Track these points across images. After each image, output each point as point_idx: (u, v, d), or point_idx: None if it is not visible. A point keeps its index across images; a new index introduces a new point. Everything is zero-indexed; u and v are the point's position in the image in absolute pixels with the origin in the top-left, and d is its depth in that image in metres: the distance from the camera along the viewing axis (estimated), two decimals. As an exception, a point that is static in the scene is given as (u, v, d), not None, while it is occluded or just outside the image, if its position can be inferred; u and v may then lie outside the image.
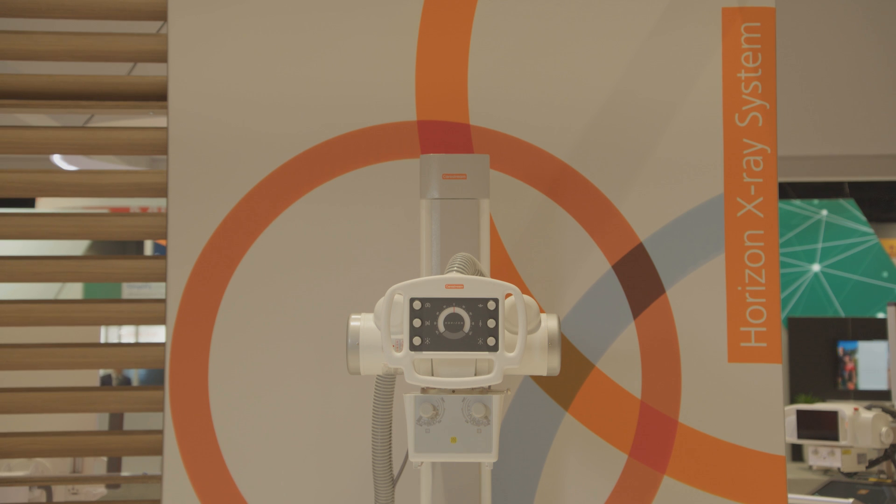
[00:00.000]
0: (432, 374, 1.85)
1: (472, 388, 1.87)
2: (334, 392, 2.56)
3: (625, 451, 2.54)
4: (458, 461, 1.90)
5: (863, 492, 4.18)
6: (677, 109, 2.60)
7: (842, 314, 14.85)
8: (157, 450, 2.61)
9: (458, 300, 1.80)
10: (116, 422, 5.64)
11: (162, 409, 2.57)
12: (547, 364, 1.95)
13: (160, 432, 2.59)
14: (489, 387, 1.91)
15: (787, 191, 15.15)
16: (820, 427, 4.29)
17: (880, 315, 14.47)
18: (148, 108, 2.75)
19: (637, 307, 2.57)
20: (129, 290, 9.93)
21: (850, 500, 4.01)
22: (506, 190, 2.58)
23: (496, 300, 1.80)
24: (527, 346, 1.92)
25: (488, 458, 1.85)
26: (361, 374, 1.98)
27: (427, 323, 1.80)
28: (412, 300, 1.81)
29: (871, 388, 13.24)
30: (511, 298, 1.84)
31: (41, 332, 2.91)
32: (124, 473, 4.93)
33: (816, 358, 13.99)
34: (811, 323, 14.30)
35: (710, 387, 2.54)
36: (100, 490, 4.62)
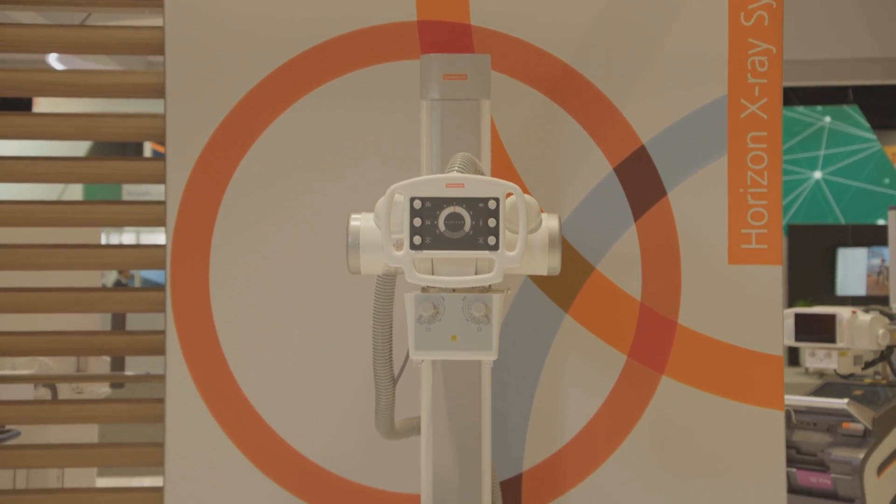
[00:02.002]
0: (433, 274, 1.85)
1: (473, 287, 1.87)
2: (335, 293, 2.57)
3: (624, 352, 2.56)
4: (458, 359, 1.91)
5: (858, 392, 4.23)
6: (682, 7, 2.56)
7: (842, 221, 14.87)
8: (160, 349, 2.63)
9: (459, 199, 1.79)
10: (119, 325, 5.69)
11: (163, 310, 2.59)
12: (547, 263, 1.95)
13: (162, 332, 2.61)
14: (489, 286, 1.92)
15: (791, 97, 15.04)
16: (817, 330, 4.32)
17: (880, 222, 14.48)
18: (144, 7, 2.71)
19: (638, 210, 2.57)
20: (129, 198, 9.94)
21: (846, 400, 4.07)
22: (507, 91, 2.56)
23: (497, 199, 1.79)
24: (527, 245, 1.92)
25: (488, 356, 1.87)
26: (362, 273, 1.98)
27: (427, 222, 1.80)
28: (412, 199, 1.80)
29: (850, 294, 13.33)
30: (512, 198, 1.84)
31: (43, 236, 2.91)
32: (128, 373, 4.99)
33: (815, 265, 14.06)
34: (810, 230, 14.34)
35: (710, 288, 2.55)
36: (103, 389, 4.68)
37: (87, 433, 4.63)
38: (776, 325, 2.54)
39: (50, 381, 4.29)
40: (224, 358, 2.58)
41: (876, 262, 13.66)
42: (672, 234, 2.56)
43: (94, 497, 2.81)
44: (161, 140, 2.61)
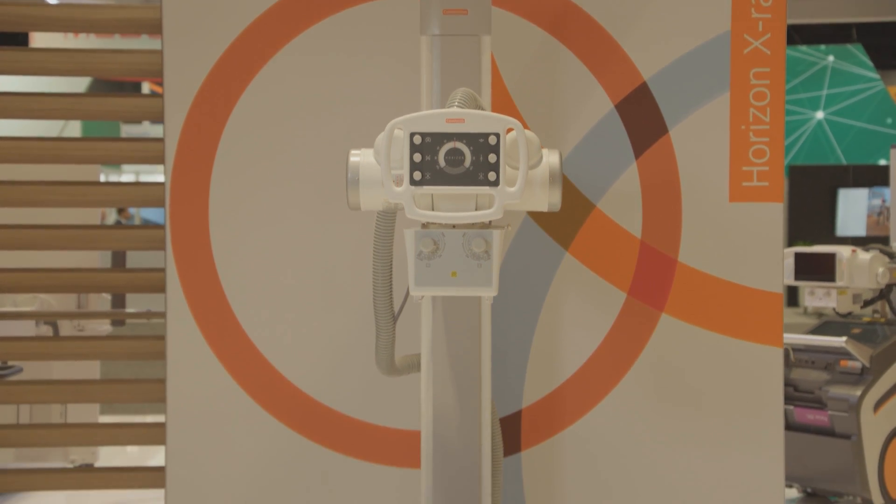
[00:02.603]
0: (433, 210, 1.84)
1: (473, 224, 1.87)
2: (335, 231, 2.56)
3: (623, 290, 2.56)
4: (459, 295, 1.91)
5: (856, 331, 4.25)
6: (686, -59, 2.52)
7: (843, 162, 14.81)
8: (160, 287, 2.63)
9: (459, 135, 1.78)
10: (119, 264, 5.69)
11: (163, 248, 2.59)
12: (548, 199, 1.94)
13: (162, 270, 2.61)
14: (489, 222, 1.91)
15: (794, 36, 14.88)
16: (817, 270, 4.33)
17: (882, 162, 14.42)
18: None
19: (639, 147, 2.55)
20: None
21: (844, 338, 4.08)
22: (507, 27, 2.53)
23: (497, 135, 1.78)
24: (528, 181, 1.91)
25: (488, 292, 1.86)
26: (361, 209, 1.97)
27: (427, 157, 1.78)
28: (412, 135, 1.78)
29: (850, 235, 13.32)
30: (512, 133, 1.82)
31: (42, 173, 2.90)
32: (129, 310, 5.01)
33: (816, 206, 14.03)
34: (811, 171, 14.28)
35: (711, 226, 2.54)
36: (105, 327, 4.70)
37: (90, 371, 4.66)
38: (776, 262, 2.54)
39: (51, 319, 4.31)
40: (224, 296, 2.58)
41: (877, 202, 13.63)
42: (673, 172, 2.55)
43: (96, 432, 2.85)
44: (159, 76, 2.59)
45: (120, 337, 2.81)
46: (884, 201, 13.33)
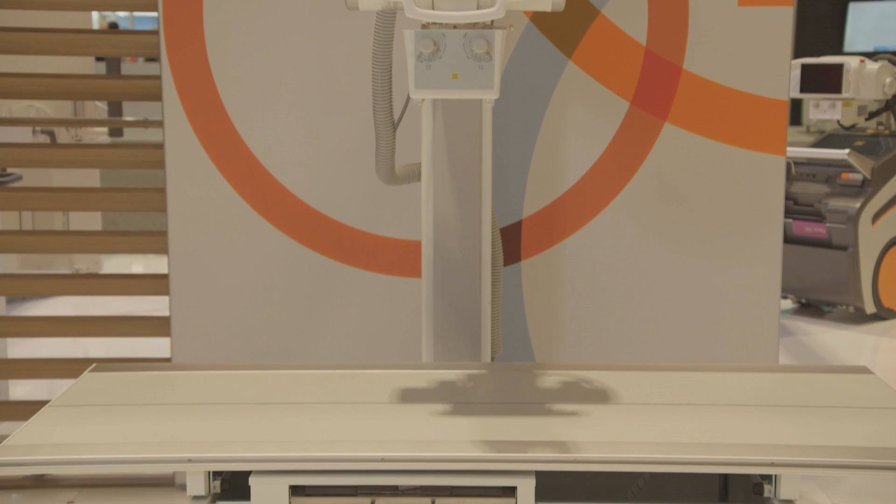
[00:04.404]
0: (433, 8, 1.78)
1: (474, 24, 1.81)
2: (333, 34, 2.50)
3: (627, 99, 2.52)
4: (459, 98, 1.88)
5: (859, 143, 4.22)
6: None
7: (855, -27, 14.39)
8: (156, 95, 2.59)
9: (460, -70, 1.70)
10: (113, 72, 5.61)
11: (157, 56, 2.53)
12: (551, -3, 1.87)
13: (158, 77, 2.56)
14: (491, 22, 1.85)
15: None
16: (823, 82, 4.26)
17: (895, -26, 14.01)
18: None
19: (647, -51, 2.46)
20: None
21: (846, 150, 4.07)
22: None
23: (500, -70, 1.70)
24: (531, -22, 1.84)
25: (489, 95, 1.82)
26: (360, 9, 1.91)
27: (428, -46, 1.71)
28: (412, -70, 1.71)
29: (858, 51, 13.07)
30: (516, -71, 1.74)
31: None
32: (126, 118, 4.97)
33: (824, 20, 13.73)
34: (822, -18, 13.89)
35: (718, 32, 2.48)
36: (102, 138, 4.67)
37: (89, 182, 4.67)
38: (783, 68, 2.49)
39: (48, 126, 4.27)
40: (222, 104, 2.54)
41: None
42: (681, -24, 2.47)
43: (99, 240, 2.86)
44: None
45: (119, 145, 2.79)
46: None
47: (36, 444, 1.58)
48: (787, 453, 1.52)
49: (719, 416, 1.71)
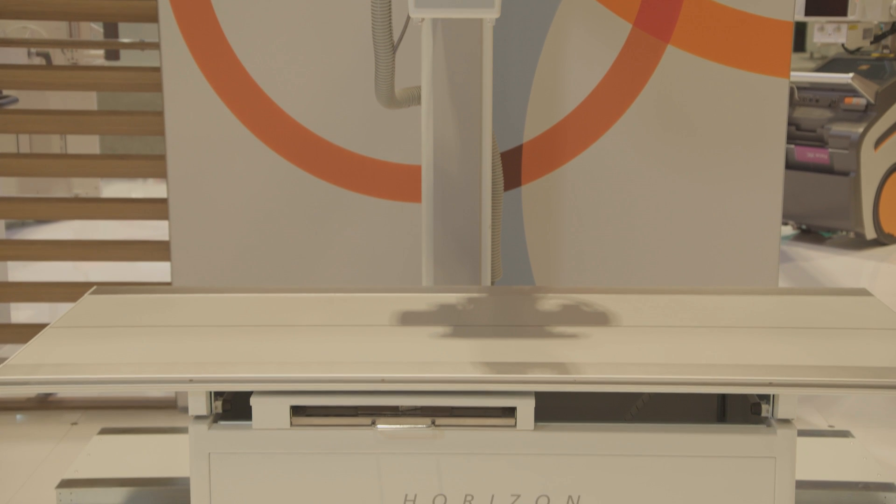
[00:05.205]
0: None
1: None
2: (332, -44, 2.47)
3: (629, 21, 2.49)
4: (460, 17, 1.85)
5: (864, 67, 4.18)
6: None
7: None
8: (153, 17, 2.56)
9: None
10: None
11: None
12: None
13: (154, -2, 2.53)
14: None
15: None
16: (828, 5, 4.21)
17: None
18: None
19: None
20: None
21: (851, 74, 4.03)
22: None
23: None
24: None
25: (490, 14, 1.79)
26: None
27: None
28: None
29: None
30: None
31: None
32: (122, 40, 4.91)
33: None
34: None
35: (723, -48, 2.44)
36: (98, 61, 4.62)
37: (86, 106, 4.63)
38: (789, -16, 2.46)
39: (43, 48, 4.21)
40: (219, 26, 2.51)
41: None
42: None
43: (97, 163, 2.85)
44: None
45: (115, 67, 2.76)
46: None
47: (38, 364, 1.59)
48: (785, 373, 1.54)
49: (718, 338, 1.72)
